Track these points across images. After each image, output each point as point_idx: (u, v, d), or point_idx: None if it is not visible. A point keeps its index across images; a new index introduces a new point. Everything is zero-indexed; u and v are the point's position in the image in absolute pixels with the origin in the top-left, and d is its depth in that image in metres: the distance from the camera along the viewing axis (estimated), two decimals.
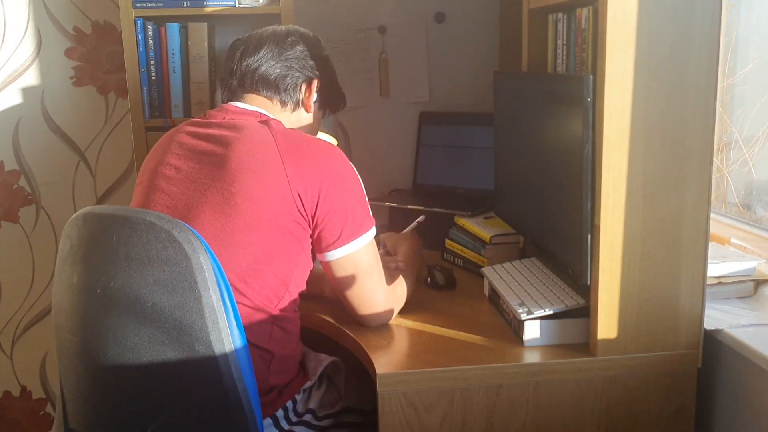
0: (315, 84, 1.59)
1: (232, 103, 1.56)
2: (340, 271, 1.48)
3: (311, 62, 1.58)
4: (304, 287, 1.51)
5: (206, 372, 1.25)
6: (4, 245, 2.37)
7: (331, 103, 1.68)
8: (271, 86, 1.55)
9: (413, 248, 1.82)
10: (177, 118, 2.12)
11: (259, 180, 1.39)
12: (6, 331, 2.43)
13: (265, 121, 1.48)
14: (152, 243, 1.23)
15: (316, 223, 1.43)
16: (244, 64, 1.55)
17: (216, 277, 1.24)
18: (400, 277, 1.64)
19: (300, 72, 1.57)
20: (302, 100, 1.58)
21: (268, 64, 1.54)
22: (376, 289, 1.52)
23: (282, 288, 1.44)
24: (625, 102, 1.32)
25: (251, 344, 1.38)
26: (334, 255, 1.46)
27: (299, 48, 1.57)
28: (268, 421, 1.44)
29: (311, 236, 1.45)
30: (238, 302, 1.35)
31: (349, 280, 1.49)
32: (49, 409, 2.50)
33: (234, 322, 1.27)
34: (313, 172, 1.42)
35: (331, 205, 1.42)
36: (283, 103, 1.57)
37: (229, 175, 1.40)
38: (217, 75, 2.19)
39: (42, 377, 2.47)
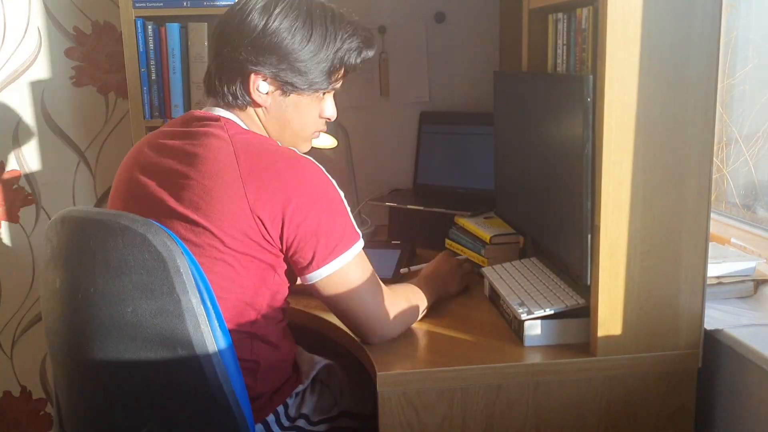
0: (252, 79, 1.39)
1: (197, 111, 1.45)
2: (326, 292, 1.38)
3: (242, 56, 1.37)
4: (280, 304, 1.42)
5: (191, 375, 1.22)
6: (4, 245, 2.37)
7: (295, 81, 1.41)
8: (218, 94, 1.42)
9: (435, 267, 1.74)
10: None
11: (220, 207, 1.29)
12: (6, 331, 2.42)
13: (227, 129, 1.37)
14: (128, 247, 1.20)
15: (287, 246, 1.33)
16: (210, 66, 1.44)
17: (195, 279, 1.21)
18: (413, 290, 1.57)
19: (229, 73, 1.39)
20: (249, 99, 1.41)
21: (211, 68, 1.43)
22: (370, 307, 1.42)
23: (252, 311, 1.36)
24: (625, 102, 1.32)
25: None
26: (313, 278, 1.36)
27: (235, 39, 1.38)
28: (259, 427, 1.42)
29: (285, 260, 1.36)
30: None
31: (338, 301, 1.39)
32: (49, 409, 2.50)
33: (216, 324, 1.24)
34: (276, 193, 1.29)
35: (297, 228, 1.31)
36: (240, 107, 1.42)
37: (192, 201, 1.31)
38: None
39: (42, 377, 2.47)
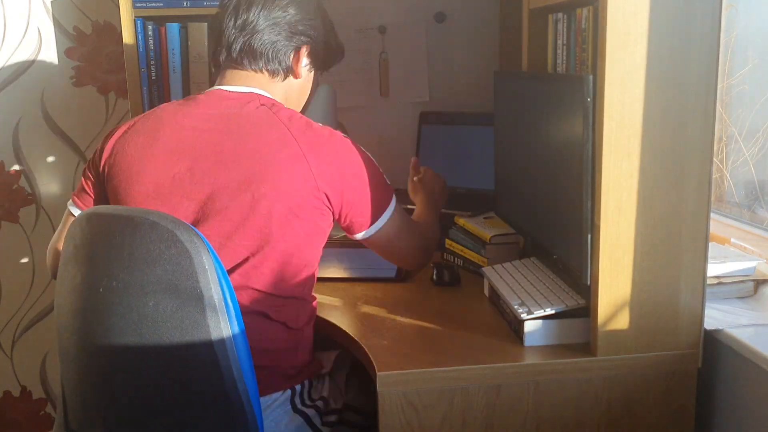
0: (303, 50, 1.53)
1: (220, 87, 1.51)
2: (376, 243, 1.59)
3: (301, 27, 1.51)
4: (315, 270, 1.56)
5: (207, 373, 1.25)
6: (4, 245, 2.37)
7: (324, 62, 1.62)
8: (259, 57, 1.50)
9: (426, 191, 1.91)
10: None
11: (287, 179, 1.41)
12: (6, 331, 2.43)
13: (265, 105, 1.46)
14: (155, 242, 1.23)
15: (344, 214, 1.50)
16: (233, 31, 1.49)
17: (218, 277, 1.24)
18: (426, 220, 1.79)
19: (288, 41, 1.51)
20: (291, 67, 1.53)
21: (255, 31, 1.49)
22: (410, 245, 1.65)
23: (307, 274, 1.50)
24: (625, 102, 1.32)
25: (285, 326, 1.46)
26: (366, 234, 1.55)
27: (292, 12, 1.51)
28: (287, 393, 1.47)
29: (339, 222, 1.53)
30: (273, 294, 1.43)
31: (386, 247, 1.61)
32: (49, 409, 2.50)
33: (236, 322, 1.26)
34: (338, 170, 1.46)
35: (354, 197, 1.49)
36: (273, 73, 1.52)
37: (255, 174, 1.40)
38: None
39: (42, 377, 2.47)
